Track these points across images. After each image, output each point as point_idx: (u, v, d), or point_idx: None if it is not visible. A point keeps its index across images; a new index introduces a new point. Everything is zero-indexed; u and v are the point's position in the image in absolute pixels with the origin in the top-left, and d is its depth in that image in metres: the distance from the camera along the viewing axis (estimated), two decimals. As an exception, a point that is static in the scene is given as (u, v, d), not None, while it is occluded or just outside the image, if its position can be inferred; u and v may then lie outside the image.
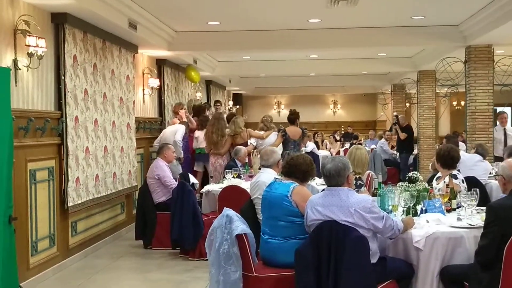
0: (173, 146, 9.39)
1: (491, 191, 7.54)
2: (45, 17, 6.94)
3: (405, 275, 4.58)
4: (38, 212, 6.67)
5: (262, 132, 10.47)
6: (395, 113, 16.62)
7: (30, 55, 6.27)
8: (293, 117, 10.27)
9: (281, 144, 9.97)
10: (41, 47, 6.30)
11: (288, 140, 9.97)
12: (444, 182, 5.91)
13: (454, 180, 5.86)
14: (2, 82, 5.47)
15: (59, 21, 7.11)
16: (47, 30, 6.94)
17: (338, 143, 18.62)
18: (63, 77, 7.13)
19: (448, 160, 6.08)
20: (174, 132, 10.54)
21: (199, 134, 11.04)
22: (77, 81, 7.47)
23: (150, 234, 8.24)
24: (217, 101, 15.03)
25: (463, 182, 5.98)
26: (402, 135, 14.99)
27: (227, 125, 10.27)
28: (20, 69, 6.25)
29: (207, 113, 11.94)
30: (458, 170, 6.15)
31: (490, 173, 8.35)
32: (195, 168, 11.16)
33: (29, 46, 6.20)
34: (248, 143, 10.10)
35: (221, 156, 10.00)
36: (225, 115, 11.43)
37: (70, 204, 7.25)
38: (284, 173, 5.18)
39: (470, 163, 7.99)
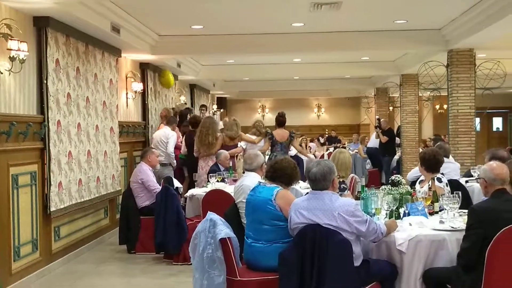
0: (167, 155, 10.01)
1: (473, 194, 7.58)
2: (27, 21, 6.89)
3: (389, 277, 4.60)
4: (21, 217, 6.61)
5: (254, 137, 10.47)
6: (377, 117, 16.73)
7: (12, 59, 6.21)
8: (283, 120, 10.22)
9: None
10: (23, 51, 6.25)
11: (275, 143, 9.96)
12: (429, 185, 5.94)
13: (438, 183, 5.88)
14: (-16, 86, 5.45)
15: (42, 25, 7.05)
16: (29, 34, 6.89)
17: (325, 146, 18.70)
18: (45, 81, 7.07)
19: (433, 164, 6.10)
20: (165, 137, 10.49)
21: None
22: (59, 85, 7.43)
23: (133, 238, 8.20)
24: (203, 106, 15.05)
25: (447, 185, 6.01)
26: (384, 139, 15.09)
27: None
28: (1, 73, 6.20)
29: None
30: (442, 174, 6.19)
31: (471, 176, 8.36)
32: (186, 174, 11.18)
33: (11, 50, 6.14)
34: (238, 145, 10.08)
35: (212, 159, 9.91)
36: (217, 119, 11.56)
37: (52, 209, 7.20)
38: (268, 177, 5.16)
39: None
